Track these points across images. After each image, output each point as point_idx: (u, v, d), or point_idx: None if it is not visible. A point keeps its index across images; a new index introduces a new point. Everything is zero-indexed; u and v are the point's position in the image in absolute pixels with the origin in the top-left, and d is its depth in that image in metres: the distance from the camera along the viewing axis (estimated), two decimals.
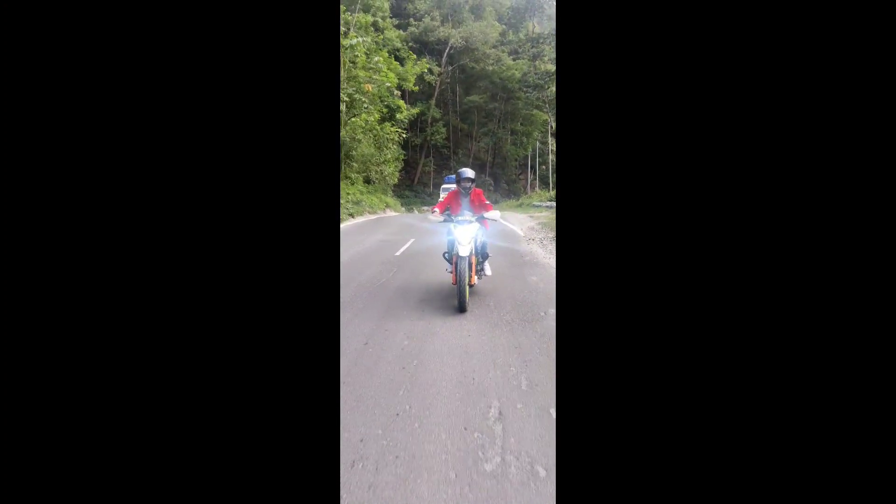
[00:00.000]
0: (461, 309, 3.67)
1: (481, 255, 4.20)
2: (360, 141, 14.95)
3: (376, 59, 15.60)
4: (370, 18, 19.50)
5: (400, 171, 23.32)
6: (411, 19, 31.70)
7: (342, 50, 13.45)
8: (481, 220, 4.01)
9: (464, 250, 3.66)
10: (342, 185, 14.24)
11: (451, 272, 3.99)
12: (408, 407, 1.99)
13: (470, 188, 4.21)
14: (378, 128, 16.22)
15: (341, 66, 13.59)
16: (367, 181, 17.62)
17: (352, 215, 13.45)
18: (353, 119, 14.29)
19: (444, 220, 4.05)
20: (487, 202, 4.24)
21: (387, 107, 16.85)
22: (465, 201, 4.24)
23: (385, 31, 23.01)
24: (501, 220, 4.96)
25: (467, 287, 3.71)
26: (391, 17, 26.74)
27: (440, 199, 4.29)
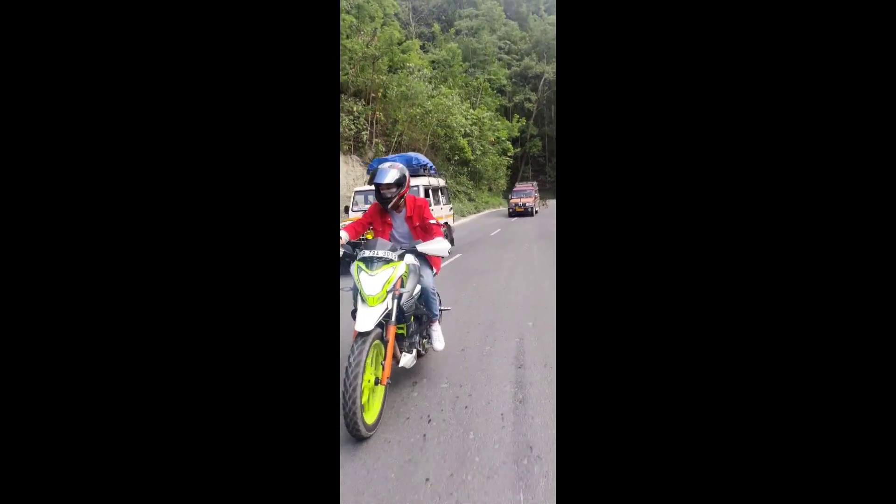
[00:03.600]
0: (352, 433, 1.82)
1: (425, 314, 2.41)
2: (487, 169, 26.27)
3: (497, 122, 26.79)
4: (487, 83, 30.50)
5: (507, 177, 33.92)
6: (514, 58, 41.58)
7: (480, 120, 24.48)
8: (416, 252, 2.22)
9: (365, 319, 1.85)
10: (479, 193, 25.79)
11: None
12: None
13: (393, 199, 2.32)
14: (497, 160, 27.39)
15: (478, 123, 24.46)
16: (490, 189, 28.69)
17: (485, 209, 24.53)
18: (484, 159, 25.51)
19: (343, 255, 2.13)
20: (434, 220, 2.39)
21: (502, 148, 28.07)
22: (397, 219, 2.45)
23: (493, 74, 33.59)
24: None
25: (360, 395, 1.76)
26: (498, 61, 37.10)
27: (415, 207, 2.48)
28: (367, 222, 2.48)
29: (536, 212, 19.53)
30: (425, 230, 2.42)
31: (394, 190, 2.34)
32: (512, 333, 3.50)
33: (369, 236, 2.47)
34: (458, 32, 35.25)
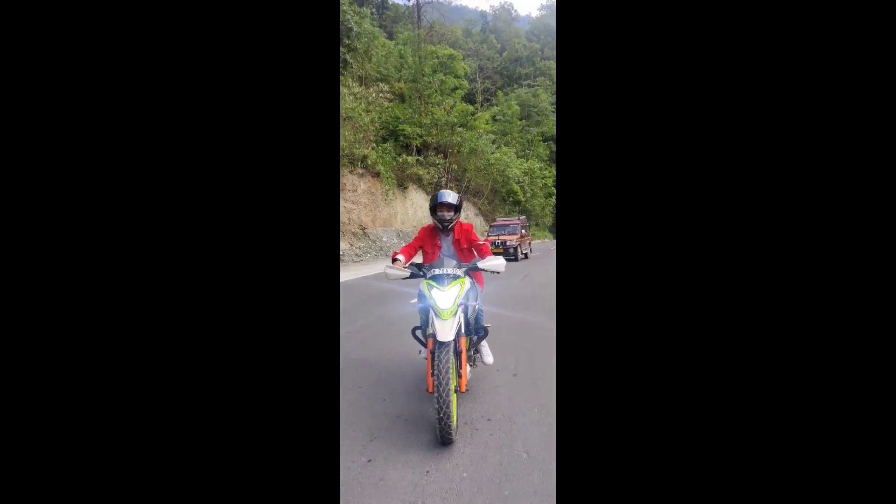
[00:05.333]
0: (443, 439, 2.03)
1: (474, 330, 2.56)
2: (535, 209, 32.32)
3: (545, 171, 32.98)
4: (539, 136, 36.70)
5: (553, 215, 39.49)
6: None
7: (531, 170, 30.53)
8: (472, 271, 2.42)
9: (445, 330, 2.05)
10: (533, 229, 31.63)
11: (428, 362, 2.17)
12: None
13: (452, 221, 2.61)
14: (543, 201, 33.38)
15: (529, 173, 30.44)
16: (536, 224, 34.74)
17: (533, 239, 30.30)
18: (533, 200, 31.60)
19: (412, 276, 2.40)
20: (482, 241, 2.65)
21: (548, 192, 33.94)
22: (445, 242, 2.70)
23: (545, 126, 39.69)
24: None
25: (454, 397, 2.05)
26: (551, 114, 43.13)
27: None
28: (417, 245, 2.68)
29: (525, 255, 14.74)
30: (473, 251, 2.65)
31: (452, 213, 2.58)
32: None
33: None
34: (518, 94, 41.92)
